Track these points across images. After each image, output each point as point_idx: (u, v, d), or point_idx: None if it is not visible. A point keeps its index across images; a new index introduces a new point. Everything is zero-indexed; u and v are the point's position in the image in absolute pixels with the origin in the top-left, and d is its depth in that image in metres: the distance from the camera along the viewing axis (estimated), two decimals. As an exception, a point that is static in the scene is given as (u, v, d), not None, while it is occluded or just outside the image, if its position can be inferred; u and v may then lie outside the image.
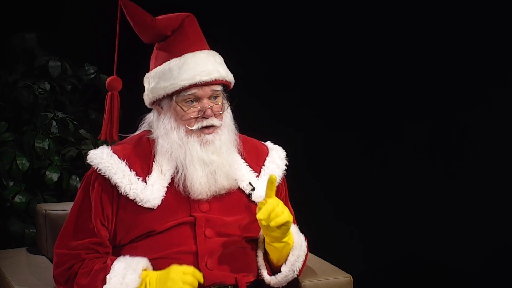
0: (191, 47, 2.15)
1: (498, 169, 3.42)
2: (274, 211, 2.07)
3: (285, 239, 2.15)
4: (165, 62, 2.15)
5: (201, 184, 2.11)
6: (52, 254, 2.50)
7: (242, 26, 3.68)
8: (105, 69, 3.43)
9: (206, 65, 2.12)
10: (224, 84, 2.17)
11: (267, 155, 2.30)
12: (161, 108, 2.17)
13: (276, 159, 2.29)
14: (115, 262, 2.05)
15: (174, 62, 2.13)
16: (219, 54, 2.22)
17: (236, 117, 2.24)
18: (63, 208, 2.58)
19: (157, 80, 2.14)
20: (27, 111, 3.23)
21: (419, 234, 3.60)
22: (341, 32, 3.71)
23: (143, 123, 2.27)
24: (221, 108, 2.15)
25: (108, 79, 2.22)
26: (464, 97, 3.47)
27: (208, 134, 2.12)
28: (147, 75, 2.20)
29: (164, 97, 2.14)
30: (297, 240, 2.20)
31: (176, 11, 2.21)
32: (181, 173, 2.13)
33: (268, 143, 2.35)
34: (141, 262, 2.05)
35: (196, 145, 2.12)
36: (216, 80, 2.12)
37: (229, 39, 3.19)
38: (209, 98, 2.13)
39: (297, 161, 2.46)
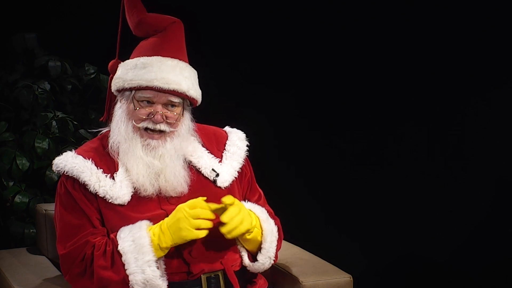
0: (163, 52, 2.17)
1: (498, 169, 3.41)
2: (236, 218, 2.10)
3: (253, 233, 2.17)
4: (137, 57, 2.18)
5: (144, 181, 2.14)
6: (53, 254, 2.51)
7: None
8: (105, 69, 3.42)
9: (168, 74, 2.13)
10: (188, 98, 2.18)
11: (226, 139, 2.33)
12: (122, 98, 2.20)
13: (236, 141, 2.32)
14: (118, 232, 2.09)
15: (142, 60, 2.16)
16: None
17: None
18: (63, 208, 2.58)
19: (125, 71, 2.17)
20: (27, 111, 3.23)
21: (419, 234, 3.59)
22: (339, 30, 3.71)
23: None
24: (176, 119, 2.16)
25: (110, 63, 2.24)
26: (463, 97, 3.47)
27: (152, 139, 2.15)
28: (121, 63, 2.22)
29: (125, 89, 2.17)
30: (266, 228, 2.21)
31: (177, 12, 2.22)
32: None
33: (227, 128, 2.38)
34: (143, 223, 2.09)
35: (139, 145, 2.15)
36: (174, 91, 2.13)
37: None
38: (165, 105, 2.14)
39: (299, 161, 2.46)
